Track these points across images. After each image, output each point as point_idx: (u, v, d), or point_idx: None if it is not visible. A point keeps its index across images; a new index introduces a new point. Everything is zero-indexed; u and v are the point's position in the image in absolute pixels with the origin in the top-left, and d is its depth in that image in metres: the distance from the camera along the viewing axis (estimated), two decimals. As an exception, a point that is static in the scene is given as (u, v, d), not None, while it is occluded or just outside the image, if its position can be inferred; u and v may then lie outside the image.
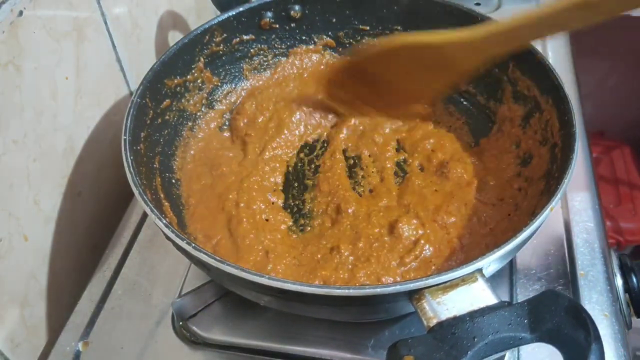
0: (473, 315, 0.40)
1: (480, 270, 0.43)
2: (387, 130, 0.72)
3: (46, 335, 0.64)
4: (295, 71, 0.78)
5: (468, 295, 0.42)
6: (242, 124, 0.72)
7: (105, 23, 0.70)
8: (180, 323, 0.59)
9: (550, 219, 0.49)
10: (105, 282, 0.64)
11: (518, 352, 0.55)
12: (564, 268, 0.62)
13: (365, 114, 0.72)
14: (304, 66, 0.78)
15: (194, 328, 0.58)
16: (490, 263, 0.44)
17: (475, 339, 0.39)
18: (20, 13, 0.55)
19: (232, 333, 0.58)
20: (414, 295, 0.42)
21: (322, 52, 0.78)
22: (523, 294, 0.60)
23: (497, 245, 0.44)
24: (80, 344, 0.59)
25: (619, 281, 0.61)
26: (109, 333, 0.60)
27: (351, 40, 0.77)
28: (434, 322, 0.40)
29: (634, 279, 0.60)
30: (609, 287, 0.60)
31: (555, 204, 0.47)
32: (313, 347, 0.56)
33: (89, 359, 0.58)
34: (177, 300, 0.58)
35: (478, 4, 0.99)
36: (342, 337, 0.56)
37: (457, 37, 0.57)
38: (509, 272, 0.61)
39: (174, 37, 0.86)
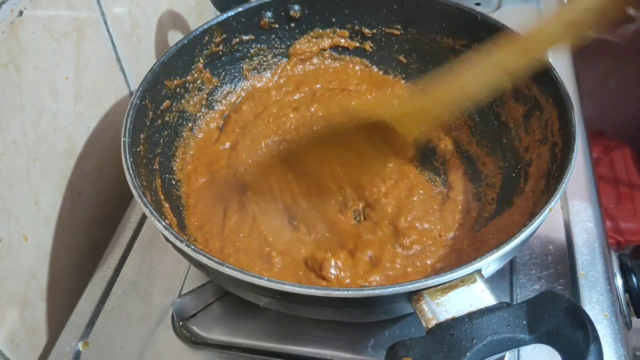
0: (472, 316, 0.40)
1: (479, 271, 0.43)
2: None
3: (46, 335, 0.64)
4: (295, 72, 0.78)
5: (467, 296, 0.42)
6: (234, 122, 0.72)
7: (105, 23, 0.70)
8: (180, 323, 0.59)
9: (550, 219, 0.49)
10: (105, 282, 0.64)
11: (518, 352, 0.55)
12: (564, 268, 0.62)
13: None
14: (304, 67, 0.78)
15: (194, 328, 0.58)
16: (490, 263, 0.44)
17: (474, 340, 0.39)
18: (20, 13, 0.55)
19: (232, 333, 0.58)
20: (413, 296, 0.42)
21: (322, 52, 0.78)
22: (523, 294, 0.59)
23: (497, 245, 0.44)
24: (80, 344, 0.59)
25: (619, 281, 0.61)
26: (109, 333, 0.60)
27: (350, 40, 0.77)
28: (432, 323, 0.40)
29: (634, 279, 0.60)
30: (609, 287, 0.60)
31: (555, 203, 0.47)
32: (313, 347, 0.56)
33: (89, 359, 0.58)
34: (177, 300, 0.59)
35: (478, 4, 0.99)
36: (342, 337, 0.56)
37: (389, 112, 0.54)
38: (508, 273, 0.61)
39: (174, 37, 0.86)
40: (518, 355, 0.55)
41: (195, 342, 0.58)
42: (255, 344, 0.57)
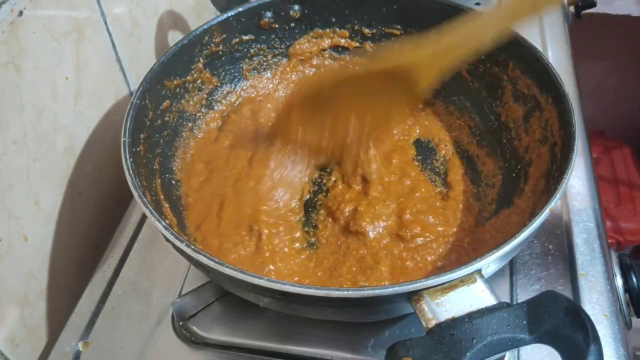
0: (472, 316, 0.40)
1: (479, 271, 0.43)
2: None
3: (46, 335, 0.64)
4: (295, 76, 0.78)
5: (467, 296, 0.42)
6: (232, 122, 0.72)
7: (105, 23, 0.70)
8: (180, 323, 0.59)
9: (550, 219, 0.49)
10: (105, 282, 0.64)
11: (518, 352, 0.55)
12: (564, 268, 0.62)
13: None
14: (305, 69, 0.78)
15: (194, 328, 0.58)
16: (490, 263, 0.44)
17: (474, 340, 0.39)
18: (20, 13, 0.55)
19: (232, 333, 0.58)
20: (413, 296, 0.42)
21: (322, 52, 0.78)
22: (523, 294, 0.59)
23: (496, 245, 0.44)
24: (80, 344, 0.59)
25: (619, 281, 0.61)
26: (109, 333, 0.60)
27: (350, 40, 0.77)
28: (432, 323, 0.40)
29: (634, 279, 0.60)
30: (609, 287, 0.60)
31: (555, 204, 0.47)
32: (313, 347, 0.56)
33: (89, 359, 0.58)
34: (177, 300, 0.59)
35: (478, 4, 0.99)
36: (342, 337, 0.56)
37: (408, 57, 0.56)
38: (509, 273, 0.61)
39: (174, 37, 0.86)
40: (518, 355, 0.55)
41: (195, 342, 0.58)
42: (255, 344, 0.57)
